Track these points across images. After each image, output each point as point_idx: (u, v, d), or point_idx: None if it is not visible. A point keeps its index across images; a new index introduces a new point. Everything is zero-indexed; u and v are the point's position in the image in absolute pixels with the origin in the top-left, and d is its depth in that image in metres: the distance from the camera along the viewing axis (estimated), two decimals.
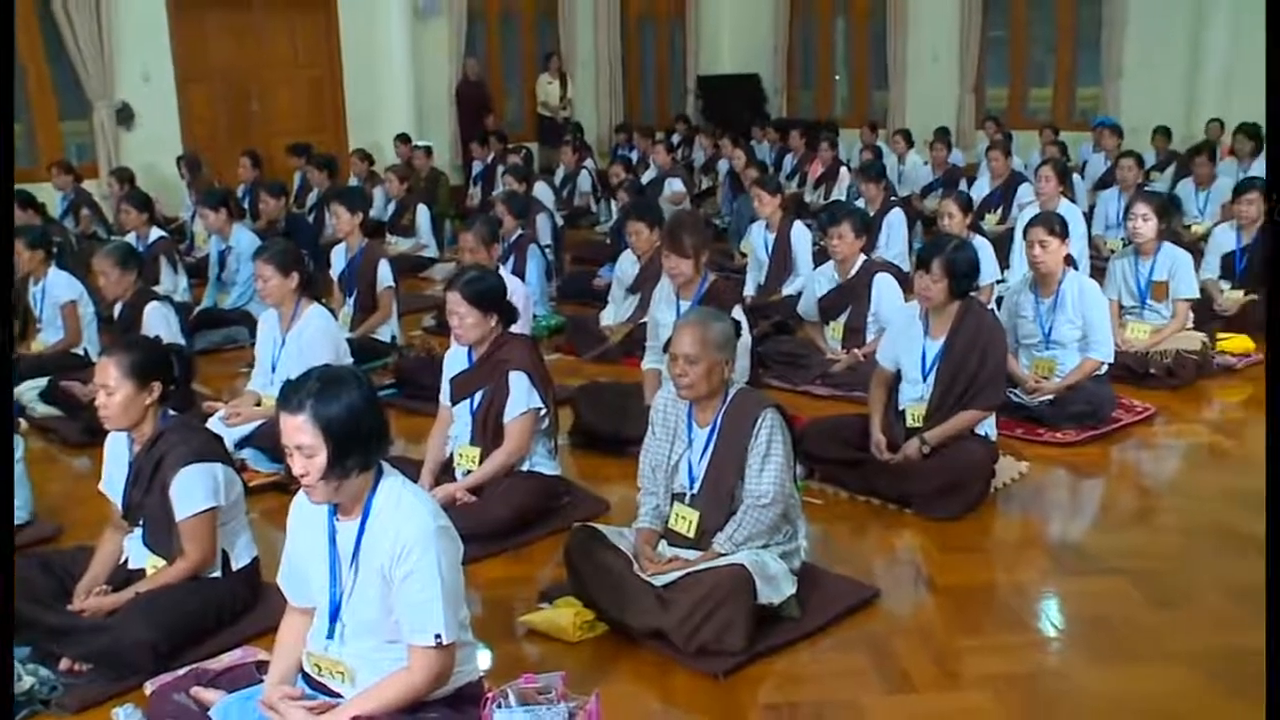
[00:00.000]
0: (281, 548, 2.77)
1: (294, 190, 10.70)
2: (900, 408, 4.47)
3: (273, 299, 4.90)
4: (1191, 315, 6.00)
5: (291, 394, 2.46)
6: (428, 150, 11.54)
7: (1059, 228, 5.14)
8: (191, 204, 9.66)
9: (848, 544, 4.10)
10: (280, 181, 9.37)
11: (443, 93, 13.10)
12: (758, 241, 7.32)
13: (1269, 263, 6.73)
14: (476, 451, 4.14)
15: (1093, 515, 4.55)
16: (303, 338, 4.83)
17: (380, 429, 2.54)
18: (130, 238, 7.28)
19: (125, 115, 10.72)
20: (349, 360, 4.90)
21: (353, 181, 10.74)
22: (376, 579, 2.53)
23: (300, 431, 2.43)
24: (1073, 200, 8.03)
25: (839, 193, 10.55)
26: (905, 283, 5.81)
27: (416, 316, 7.32)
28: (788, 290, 6.95)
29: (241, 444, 4.73)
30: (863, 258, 5.84)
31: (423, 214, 9.46)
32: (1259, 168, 9.79)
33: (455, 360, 4.28)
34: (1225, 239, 6.91)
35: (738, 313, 4.51)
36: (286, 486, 4.30)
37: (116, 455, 3.45)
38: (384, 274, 6.34)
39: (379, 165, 10.98)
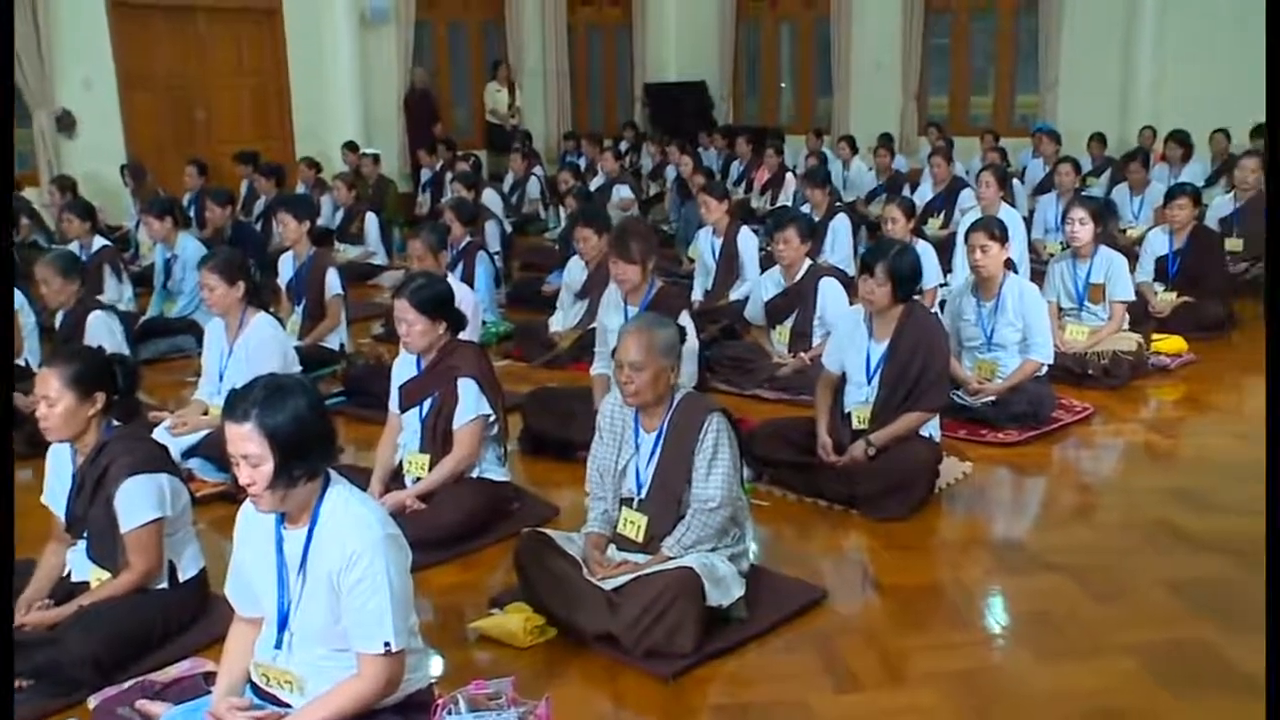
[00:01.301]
0: (230, 558, 2.74)
1: (241, 198, 10.56)
2: (846, 410, 4.51)
3: (218, 308, 4.83)
4: (1127, 317, 6.11)
5: (237, 403, 2.43)
6: (376, 158, 11.46)
7: (999, 232, 5.21)
8: (135, 212, 9.51)
9: (795, 545, 4.12)
10: (227, 189, 9.25)
11: (391, 101, 13.01)
12: (705, 247, 7.35)
13: (1199, 262, 6.89)
14: (426, 459, 4.12)
15: (1035, 513, 4.62)
16: (250, 346, 4.77)
17: (327, 437, 2.51)
18: (73, 246, 7.15)
19: (66, 122, 10.51)
20: (297, 368, 4.85)
21: (300, 189, 10.65)
22: (324, 587, 2.50)
23: (246, 440, 2.40)
24: (1013, 205, 8.16)
25: (785, 198, 10.62)
26: (850, 287, 5.86)
27: (365, 324, 7.26)
28: (735, 295, 6.98)
29: (188, 454, 4.66)
30: (808, 262, 5.89)
31: (371, 221, 9.40)
32: (1190, 173, 10.04)
33: (404, 367, 4.26)
34: (1158, 243, 7.05)
35: (685, 318, 4.53)
36: (234, 496, 4.23)
37: (59, 467, 3.39)
38: (332, 282, 6.29)
39: (327, 173, 10.88)
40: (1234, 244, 7.77)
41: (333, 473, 2.57)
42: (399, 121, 13.12)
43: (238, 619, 2.75)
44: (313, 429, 2.44)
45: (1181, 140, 10.38)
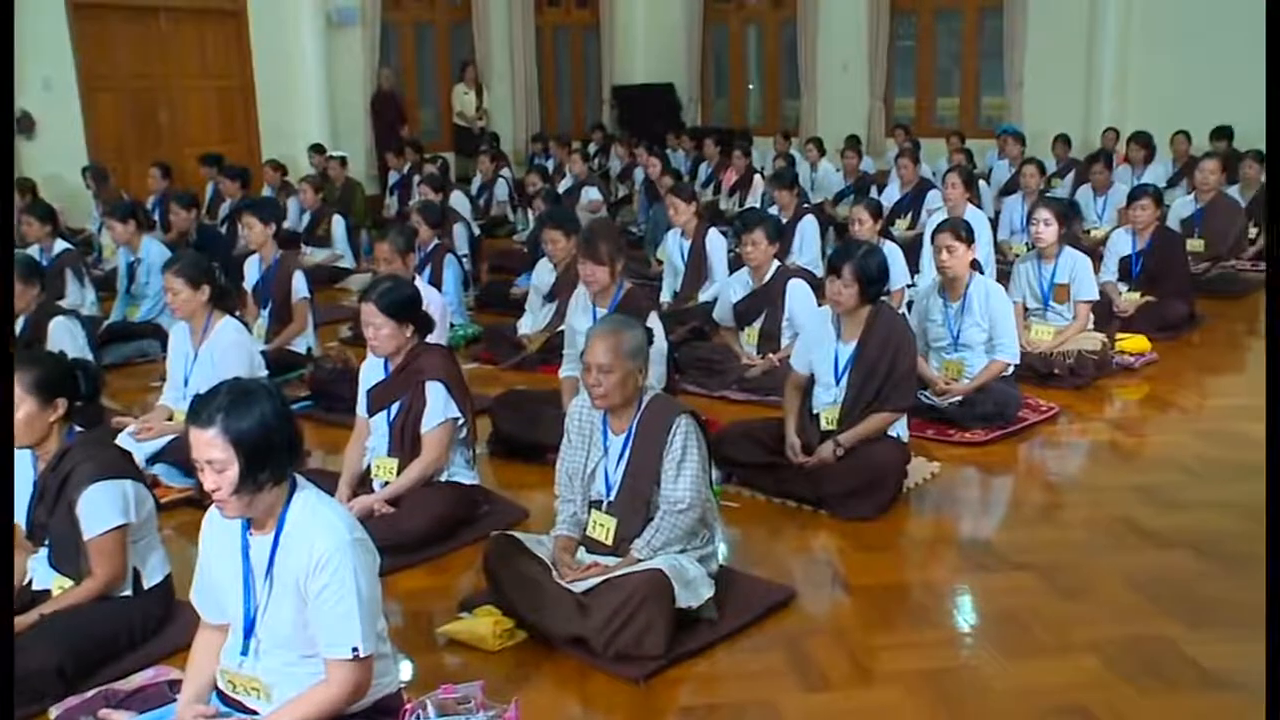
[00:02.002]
0: (195, 564, 2.71)
1: (206, 201, 10.48)
2: (814, 411, 4.53)
3: (183, 312, 4.79)
4: (1092, 316, 6.16)
5: (201, 408, 2.41)
6: (343, 160, 11.40)
7: (965, 233, 5.25)
8: (98, 215, 9.41)
9: (764, 546, 4.13)
10: (191, 192, 9.16)
11: (358, 103, 12.96)
12: (673, 249, 7.36)
13: (1161, 262, 6.96)
14: (394, 462, 4.10)
15: (1002, 512, 4.65)
16: (215, 351, 4.73)
17: (293, 442, 2.49)
18: (33, 250, 7.07)
19: (26, 124, 10.39)
20: (263, 373, 4.82)
21: (266, 192, 10.57)
22: (291, 593, 2.48)
23: (211, 446, 2.38)
24: (979, 206, 8.22)
25: (753, 200, 10.65)
26: (818, 288, 5.87)
27: (333, 327, 7.21)
28: (703, 296, 7.00)
29: (153, 459, 4.62)
30: (776, 264, 5.91)
31: (338, 224, 9.35)
32: (1152, 174, 10.18)
33: (371, 371, 4.24)
34: (1121, 243, 7.13)
35: (653, 319, 4.53)
36: (200, 502, 4.20)
37: (20, 474, 3.34)
38: (299, 285, 6.25)
39: (293, 176, 10.81)
40: (1195, 244, 7.92)
41: (299, 477, 2.56)
42: (366, 124, 13.07)
43: (203, 626, 2.73)
44: (278, 434, 2.43)
45: (1144, 142, 10.51)
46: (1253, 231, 8.76)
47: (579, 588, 3.28)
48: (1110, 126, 11.71)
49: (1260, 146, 9.36)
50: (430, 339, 4.26)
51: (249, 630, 2.56)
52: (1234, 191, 8.92)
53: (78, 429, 3.29)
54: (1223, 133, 10.85)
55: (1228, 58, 11.39)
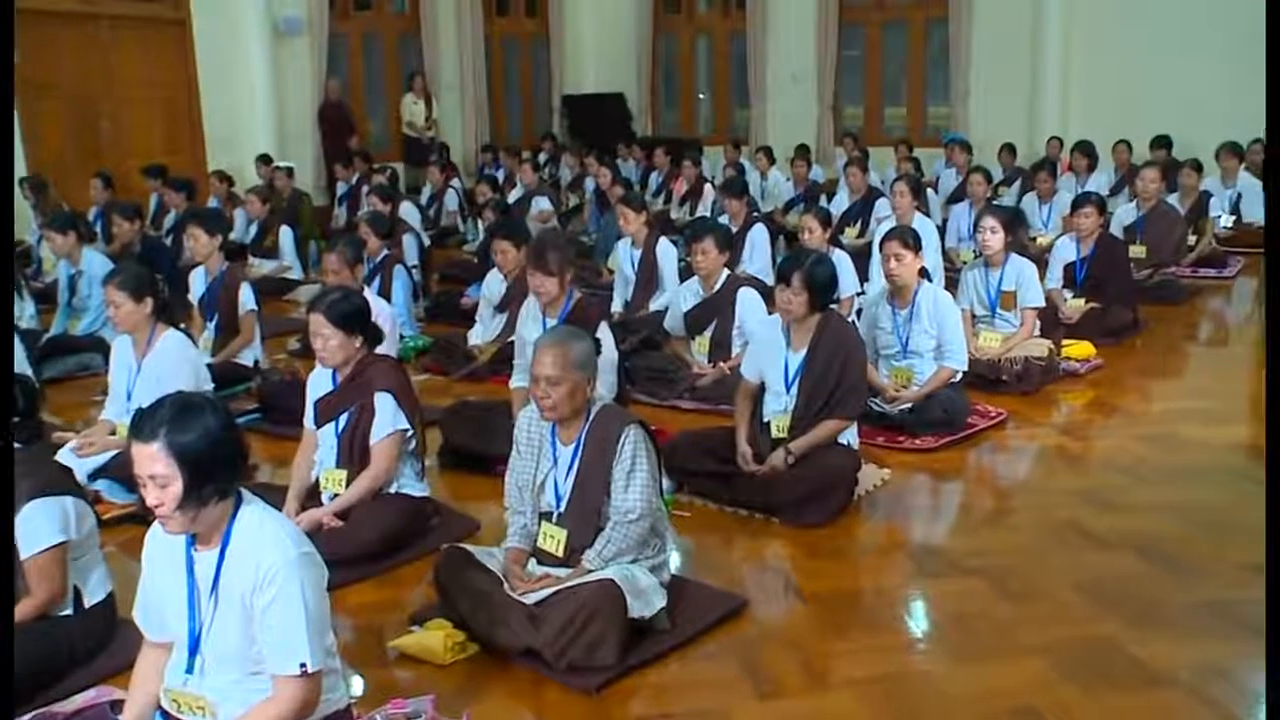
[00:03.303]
0: (139, 581, 2.66)
1: (150, 213, 10.34)
2: (765, 419, 4.55)
3: (125, 325, 4.72)
4: (1038, 323, 6.24)
5: (144, 422, 2.37)
6: (290, 171, 11.30)
7: (913, 241, 5.29)
8: (37, 227, 9.24)
9: (717, 555, 4.14)
10: (135, 203, 9.03)
11: (305, 113, 12.87)
12: (624, 258, 7.37)
13: (1105, 268, 7.08)
14: (343, 474, 4.07)
15: (951, 518, 4.70)
16: (159, 364, 4.67)
17: (238, 456, 2.46)
18: None
19: None
20: (209, 386, 4.77)
21: (212, 203, 10.45)
22: (237, 609, 2.45)
23: (153, 461, 2.34)
24: (927, 214, 8.32)
25: (704, 209, 10.70)
26: (768, 296, 5.90)
27: (282, 339, 7.15)
28: (654, 306, 7.01)
29: (96, 475, 4.54)
30: (726, 273, 5.94)
31: (286, 235, 9.27)
32: (1095, 182, 10.38)
33: (319, 382, 4.20)
34: (1066, 250, 7.24)
35: (603, 329, 4.54)
36: (143, 518, 4.13)
37: None
38: (246, 297, 6.17)
39: (240, 187, 10.70)
40: (1138, 250, 8.06)
41: (245, 492, 2.53)
42: (313, 134, 12.98)
43: (147, 644, 2.68)
44: (223, 448, 2.39)
45: (1087, 151, 10.73)
46: (1191, 239, 8.96)
47: (531, 600, 3.27)
48: (1054, 135, 11.93)
49: (1198, 156, 9.60)
50: (379, 350, 4.24)
51: (194, 648, 2.52)
52: (1173, 200, 9.10)
53: (17, 445, 3.22)
54: (1162, 142, 11.08)
55: (1167, 69, 11.67)
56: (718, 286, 5.86)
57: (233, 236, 8.62)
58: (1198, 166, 9.37)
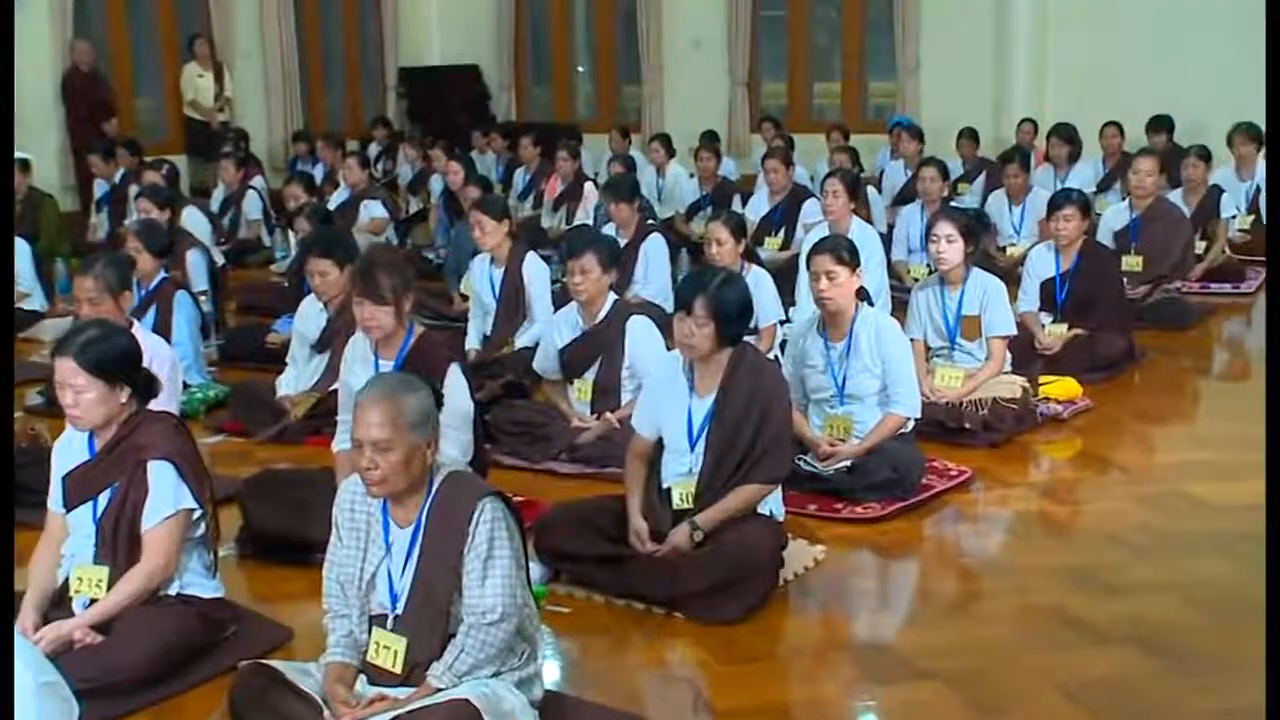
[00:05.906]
0: None
1: None
2: (665, 485, 4.57)
3: None
4: (1009, 356, 6.35)
5: None
6: (25, 165, 11.04)
7: (849, 254, 5.37)
8: None
9: (605, 662, 4.15)
10: None
11: (45, 87, 12.60)
12: (481, 280, 7.37)
13: (1091, 286, 7.28)
14: (103, 572, 3.98)
15: (904, 607, 4.78)
16: None
17: None
18: None
19: None
20: None
21: None
22: None
23: None
24: (868, 219, 8.51)
25: (584, 215, 10.76)
26: (666, 328, 5.96)
27: (18, 392, 6.96)
28: (521, 341, 7.03)
29: None
30: (613, 297, 5.99)
31: (21, 251, 9.04)
32: (1078, 176, 10.58)
33: (69, 450, 4.12)
34: (1043, 263, 7.39)
35: (454, 374, 4.54)
36: None
37: None
38: None
39: None
40: (1132, 262, 8.22)
41: None
42: (56, 115, 12.73)
43: None
44: None
45: (1068, 137, 10.96)
46: (1200, 246, 9.17)
47: None
48: (1027, 118, 12.24)
49: (1205, 141, 9.88)
50: (155, 405, 4.17)
51: None
52: (1175, 197, 9.34)
53: None
54: (1161, 124, 11.39)
55: (1166, 35, 11.97)
56: (602, 315, 5.90)
57: None
58: (1205, 155, 9.62)
